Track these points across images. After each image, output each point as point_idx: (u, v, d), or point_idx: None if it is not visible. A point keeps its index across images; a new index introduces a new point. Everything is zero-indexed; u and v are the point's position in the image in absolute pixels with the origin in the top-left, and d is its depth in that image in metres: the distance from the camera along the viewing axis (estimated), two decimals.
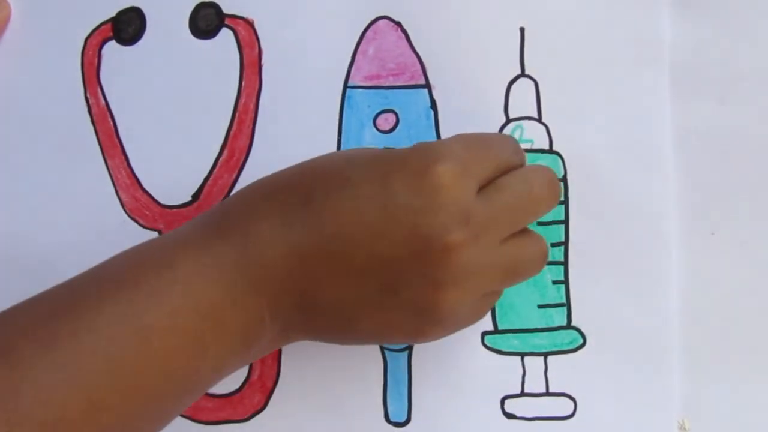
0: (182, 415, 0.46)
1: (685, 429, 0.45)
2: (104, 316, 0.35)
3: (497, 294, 0.42)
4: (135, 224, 0.46)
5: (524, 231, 0.41)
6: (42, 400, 0.33)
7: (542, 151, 0.45)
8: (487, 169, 0.39)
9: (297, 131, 0.46)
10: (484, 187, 0.39)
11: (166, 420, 0.38)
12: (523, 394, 0.45)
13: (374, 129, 0.46)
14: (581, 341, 0.45)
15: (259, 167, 0.46)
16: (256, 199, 0.39)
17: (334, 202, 0.37)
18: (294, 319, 0.38)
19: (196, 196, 0.46)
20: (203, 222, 0.39)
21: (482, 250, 0.38)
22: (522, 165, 0.41)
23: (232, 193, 0.42)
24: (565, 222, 0.45)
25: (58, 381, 0.33)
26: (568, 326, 0.45)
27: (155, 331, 0.35)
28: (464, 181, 0.37)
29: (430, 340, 0.40)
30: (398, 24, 0.46)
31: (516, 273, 0.40)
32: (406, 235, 0.36)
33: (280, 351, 0.46)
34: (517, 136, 0.45)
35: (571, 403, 0.45)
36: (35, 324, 0.35)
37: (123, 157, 0.46)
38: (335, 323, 0.39)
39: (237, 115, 0.46)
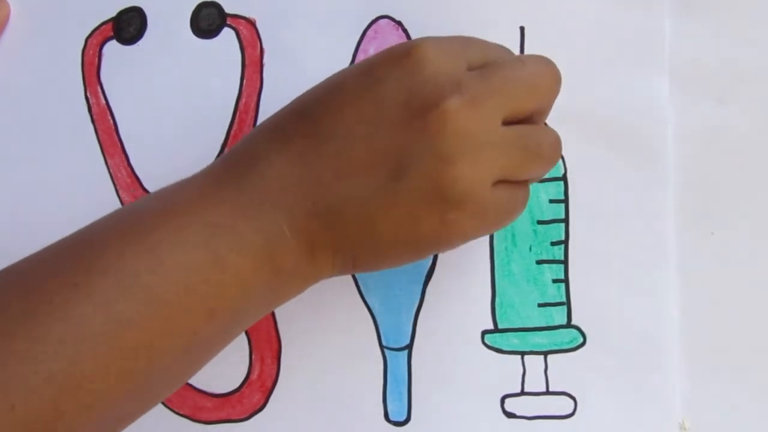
0: (182, 415, 0.46)
1: (685, 428, 0.44)
2: (125, 256, 0.34)
3: (525, 188, 0.40)
4: None
5: (533, 121, 0.40)
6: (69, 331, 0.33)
7: None
8: (474, 54, 0.38)
9: None
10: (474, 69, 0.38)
11: (202, 357, 0.37)
12: (523, 393, 0.45)
13: None
14: (581, 340, 0.45)
15: None
16: (256, 130, 0.39)
17: (328, 104, 0.37)
18: (315, 233, 0.37)
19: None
20: (213, 168, 0.39)
21: (483, 119, 0.36)
22: (508, 56, 0.40)
23: None
24: (566, 221, 0.45)
25: (90, 318, 0.33)
26: (568, 325, 0.45)
27: (171, 264, 0.35)
28: (450, 56, 0.37)
29: (460, 239, 0.38)
30: (399, 23, 0.46)
31: (533, 154, 0.38)
32: (400, 114, 0.36)
33: (279, 350, 0.46)
34: None
35: (571, 402, 0.45)
36: (54, 270, 0.35)
37: (123, 156, 0.46)
38: (356, 228, 0.37)
39: (238, 114, 0.46)
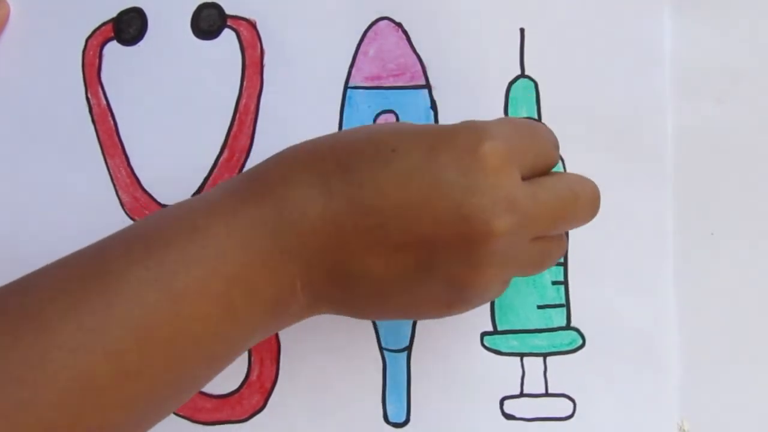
0: (181, 416, 0.46)
1: (683, 430, 0.44)
2: (133, 280, 0.34)
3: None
4: None
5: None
6: (69, 365, 0.32)
7: None
8: (529, 158, 0.38)
9: (297, 131, 0.46)
10: (526, 179, 0.37)
11: (195, 388, 0.37)
12: (522, 394, 0.45)
13: None
14: (580, 342, 0.45)
15: None
16: (293, 166, 0.37)
17: (377, 173, 0.35)
18: (325, 290, 0.37)
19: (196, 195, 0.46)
20: (235, 186, 0.38)
21: (519, 240, 0.36)
22: (556, 161, 0.40)
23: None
24: None
25: (86, 346, 0.32)
26: (568, 327, 0.45)
27: (185, 296, 0.34)
28: (511, 166, 0.36)
29: (452, 315, 0.39)
30: (399, 25, 0.46)
31: (538, 266, 0.40)
32: (450, 213, 0.35)
33: (278, 351, 0.46)
34: None
35: (571, 404, 0.45)
36: (64, 287, 0.34)
37: (123, 156, 0.46)
38: (366, 297, 0.37)
39: (238, 115, 0.46)
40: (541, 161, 0.38)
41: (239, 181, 0.38)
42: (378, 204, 0.35)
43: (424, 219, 0.35)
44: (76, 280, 0.34)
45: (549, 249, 0.39)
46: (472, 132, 0.36)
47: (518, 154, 0.37)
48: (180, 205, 0.38)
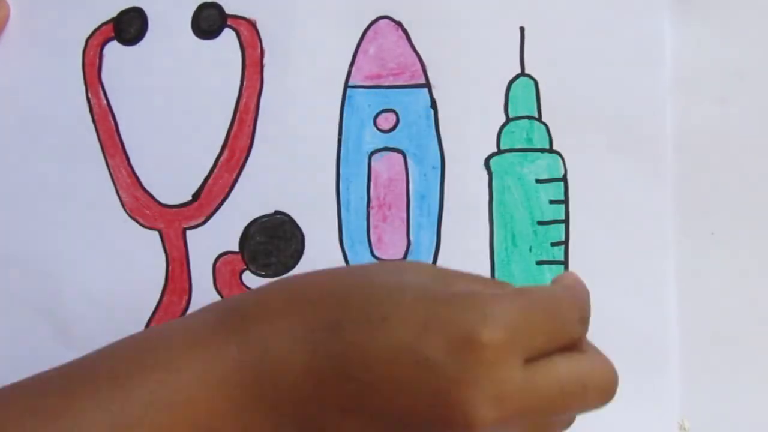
0: None
1: (684, 429, 0.44)
2: (94, 420, 0.33)
3: None
4: (135, 224, 0.46)
5: None
6: None
7: (542, 150, 0.45)
8: (540, 340, 0.34)
9: (297, 130, 0.46)
10: (533, 360, 0.34)
11: None
12: None
13: (374, 128, 0.46)
14: None
15: (259, 167, 0.46)
16: (279, 307, 0.35)
17: (364, 339, 0.33)
18: None
19: (196, 195, 0.46)
20: (216, 318, 0.36)
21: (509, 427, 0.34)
22: (580, 335, 0.36)
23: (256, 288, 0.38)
24: (565, 221, 0.45)
25: None
26: None
27: None
28: (510, 355, 0.33)
29: None
30: (399, 24, 0.46)
31: None
32: (433, 397, 0.32)
33: None
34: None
35: None
36: (22, 416, 0.34)
37: (124, 156, 0.46)
38: None
39: (238, 114, 0.46)
40: (557, 339, 0.35)
41: (223, 311, 0.36)
42: (361, 374, 0.33)
43: (406, 397, 0.33)
44: (35, 413, 0.34)
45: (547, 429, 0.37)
46: (471, 313, 0.33)
47: (524, 340, 0.33)
48: (157, 335, 0.37)
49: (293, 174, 0.46)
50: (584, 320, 0.36)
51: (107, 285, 0.46)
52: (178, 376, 0.34)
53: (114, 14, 0.47)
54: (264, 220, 0.46)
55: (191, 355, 0.35)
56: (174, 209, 0.46)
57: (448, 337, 0.32)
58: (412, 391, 0.33)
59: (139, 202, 0.46)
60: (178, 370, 0.34)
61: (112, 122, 0.47)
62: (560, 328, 0.35)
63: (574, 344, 0.36)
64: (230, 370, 0.34)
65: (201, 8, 0.46)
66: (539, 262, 0.45)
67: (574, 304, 0.36)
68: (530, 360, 0.33)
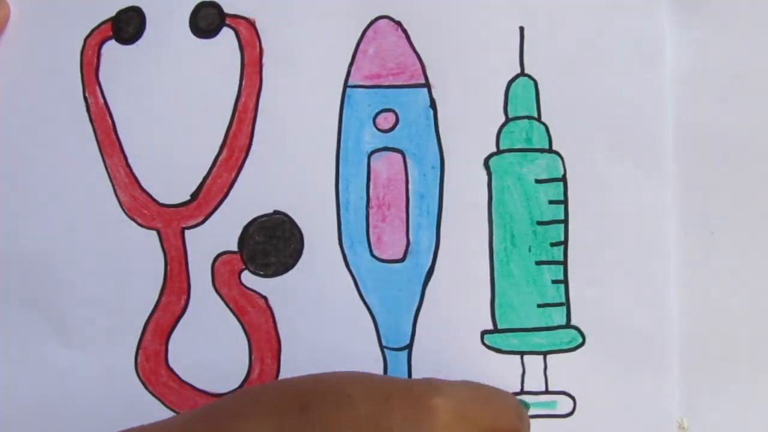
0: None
1: (683, 428, 0.45)
2: None
3: None
4: (133, 223, 0.46)
5: None
6: None
7: (542, 150, 0.45)
8: (484, 419, 0.38)
9: (297, 130, 0.46)
10: None
11: None
12: (522, 392, 0.45)
13: (374, 128, 0.46)
14: (580, 340, 0.45)
15: (258, 166, 0.46)
16: (250, 401, 0.38)
17: (330, 416, 0.37)
18: None
19: (194, 195, 0.46)
20: (193, 418, 0.39)
21: None
22: (519, 430, 0.41)
23: None
24: (565, 221, 0.45)
25: None
26: (568, 325, 0.45)
27: None
28: (461, 424, 0.37)
29: None
30: (398, 23, 0.46)
31: None
32: None
33: (279, 350, 0.46)
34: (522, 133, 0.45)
35: (571, 402, 0.45)
36: None
37: (122, 156, 0.46)
38: None
39: (237, 114, 0.46)
40: (500, 426, 0.39)
41: (196, 411, 0.39)
42: None
43: None
44: None
45: None
46: (426, 386, 0.38)
47: (472, 415, 0.38)
48: (142, 429, 0.39)
49: (292, 173, 0.46)
50: (522, 418, 0.41)
51: (105, 285, 0.46)
52: None
53: (112, 13, 0.47)
54: (263, 219, 0.46)
55: None
56: (172, 209, 0.46)
57: (407, 407, 0.36)
58: None
59: (137, 202, 0.46)
60: None
61: (110, 121, 0.46)
62: (503, 413, 0.40)
63: None
64: None
65: (199, 7, 0.46)
66: (539, 262, 0.45)
67: (513, 399, 0.42)
68: None
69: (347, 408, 0.37)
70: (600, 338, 0.45)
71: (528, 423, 0.42)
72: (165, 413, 0.46)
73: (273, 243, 0.46)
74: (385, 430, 0.36)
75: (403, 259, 0.46)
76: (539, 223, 0.45)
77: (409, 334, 0.45)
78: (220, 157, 0.46)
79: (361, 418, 0.36)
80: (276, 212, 0.46)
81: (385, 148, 0.46)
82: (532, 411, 0.45)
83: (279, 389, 0.39)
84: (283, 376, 0.46)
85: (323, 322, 0.46)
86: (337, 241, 0.46)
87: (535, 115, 0.45)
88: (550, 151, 0.45)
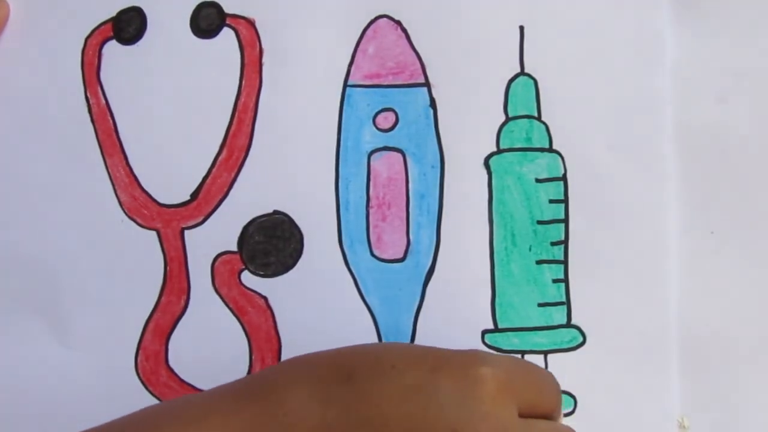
0: None
1: (684, 427, 0.44)
2: None
3: None
4: (133, 223, 0.46)
5: None
6: None
7: (542, 150, 0.45)
8: (530, 395, 0.38)
9: (297, 130, 0.46)
10: (524, 416, 0.38)
11: None
12: None
13: (374, 127, 0.46)
14: (581, 339, 0.45)
15: (258, 166, 0.46)
16: (295, 370, 0.38)
17: (376, 385, 0.36)
18: None
19: (194, 194, 0.46)
20: (236, 386, 0.39)
21: None
22: (557, 408, 0.40)
23: None
24: (565, 221, 0.45)
25: None
26: (568, 325, 0.45)
27: None
28: (507, 396, 0.37)
29: None
30: (398, 23, 0.46)
31: None
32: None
33: (279, 350, 0.46)
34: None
35: (571, 401, 0.45)
36: None
37: (122, 156, 0.46)
38: None
39: (237, 114, 0.46)
40: (542, 401, 0.39)
41: (241, 381, 0.39)
42: (374, 414, 0.36)
43: None
44: None
45: None
46: (472, 357, 0.37)
47: (517, 387, 0.37)
48: (182, 397, 0.39)
49: (292, 173, 0.46)
50: (559, 392, 0.41)
51: (105, 285, 0.46)
52: (199, 426, 0.36)
53: (113, 14, 0.47)
54: (263, 219, 0.46)
55: (212, 410, 0.37)
56: (172, 209, 0.46)
57: (454, 378, 0.36)
58: (425, 429, 0.35)
59: (137, 202, 0.46)
60: (198, 421, 0.37)
61: (111, 122, 0.46)
62: (546, 389, 0.40)
63: (554, 414, 0.40)
64: (248, 426, 0.36)
65: (200, 7, 0.46)
66: (539, 262, 0.45)
67: (553, 378, 0.41)
68: (521, 415, 0.37)
69: (393, 378, 0.36)
70: (600, 337, 0.45)
71: (561, 399, 0.41)
72: None
73: (273, 243, 0.46)
74: (432, 398, 0.36)
75: (403, 259, 0.46)
76: (539, 222, 0.45)
77: (410, 333, 0.45)
78: (220, 157, 0.46)
79: (408, 386, 0.36)
80: (276, 212, 0.46)
81: (385, 148, 0.46)
82: None
83: (320, 359, 0.38)
84: None
85: (323, 322, 0.46)
86: (337, 240, 0.46)
87: (535, 114, 0.45)
88: (551, 150, 0.45)
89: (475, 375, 0.36)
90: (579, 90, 0.45)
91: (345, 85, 0.46)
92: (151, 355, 0.46)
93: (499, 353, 0.39)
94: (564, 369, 0.45)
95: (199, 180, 0.46)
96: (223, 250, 0.46)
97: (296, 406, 0.36)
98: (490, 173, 0.45)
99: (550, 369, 0.45)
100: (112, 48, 0.47)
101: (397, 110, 0.46)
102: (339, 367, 0.37)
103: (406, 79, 0.46)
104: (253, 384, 0.38)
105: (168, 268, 0.46)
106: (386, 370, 0.37)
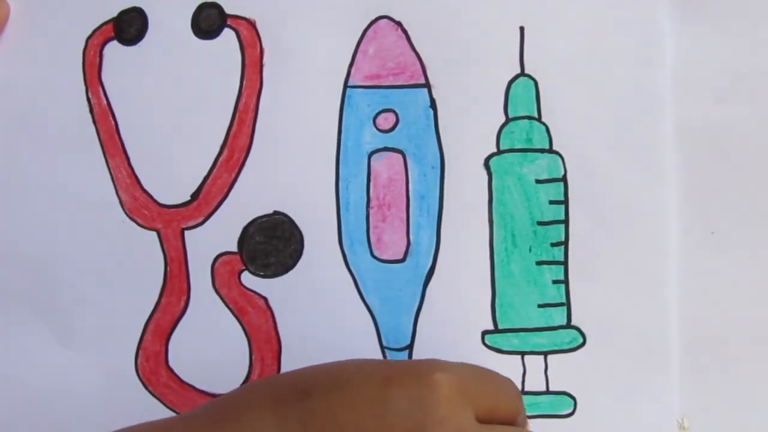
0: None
1: (684, 427, 0.44)
2: None
3: None
4: (133, 224, 0.46)
5: None
6: None
7: (542, 150, 0.45)
8: (486, 398, 0.38)
9: (297, 130, 0.46)
10: (483, 422, 0.38)
11: None
12: (523, 392, 0.45)
13: (374, 128, 0.46)
14: (581, 340, 0.45)
15: (258, 166, 0.46)
16: (255, 393, 0.39)
17: (331, 401, 0.37)
18: None
19: (195, 195, 0.46)
20: (195, 411, 0.39)
21: None
22: (519, 413, 0.41)
23: None
24: (565, 222, 0.45)
25: None
26: (568, 325, 0.45)
27: None
28: (463, 400, 0.37)
29: None
30: (398, 23, 0.46)
31: None
32: None
33: (279, 350, 0.46)
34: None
35: (571, 401, 0.45)
36: None
37: (124, 156, 0.46)
38: None
39: (237, 114, 0.46)
40: (500, 406, 0.39)
41: (202, 407, 0.39)
42: (330, 430, 0.36)
43: None
44: None
45: None
46: (427, 364, 0.38)
47: (473, 392, 0.38)
48: (140, 425, 0.39)
49: (292, 174, 0.46)
50: (520, 397, 0.41)
51: (106, 285, 0.46)
52: None
53: (114, 14, 0.47)
54: (263, 220, 0.46)
55: None
56: (172, 209, 0.46)
57: (408, 386, 0.36)
58: None
59: (138, 202, 0.46)
60: None
61: (113, 122, 0.47)
62: (503, 394, 0.40)
63: (515, 420, 0.40)
64: None
65: (201, 8, 0.47)
66: (539, 263, 0.45)
67: (512, 383, 0.42)
68: (479, 421, 0.37)
69: (348, 392, 0.37)
70: (600, 338, 0.45)
71: (523, 403, 0.42)
72: (165, 413, 0.46)
73: (273, 243, 0.46)
74: (388, 408, 0.36)
75: (403, 260, 0.46)
76: (540, 223, 0.45)
77: (410, 334, 0.45)
78: (221, 158, 0.46)
79: (364, 400, 0.36)
80: (276, 212, 0.46)
81: (385, 149, 0.46)
82: (533, 411, 0.45)
83: (278, 380, 0.39)
84: None
85: (323, 323, 0.46)
86: (337, 241, 0.46)
87: (536, 115, 0.45)
88: (551, 151, 0.45)
89: (429, 381, 0.37)
90: (579, 90, 0.45)
91: (345, 86, 0.46)
92: (151, 356, 0.46)
93: (455, 362, 0.39)
94: (564, 370, 0.45)
95: (200, 180, 0.46)
96: (223, 250, 0.46)
97: (254, 427, 0.37)
98: (490, 174, 0.45)
99: (550, 370, 0.45)
100: (113, 48, 0.47)
101: (397, 111, 0.46)
102: (296, 386, 0.38)
103: (406, 79, 0.46)
104: (213, 409, 0.39)
105: (168, 268, 0.46)
106: (341, 384, 0.37)
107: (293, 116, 0.46)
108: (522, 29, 0.45)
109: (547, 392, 0.45)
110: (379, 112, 0.46)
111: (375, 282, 0.46)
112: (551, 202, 0.45)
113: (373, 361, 0.39)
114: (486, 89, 0.45)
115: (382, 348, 0.45)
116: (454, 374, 0.37)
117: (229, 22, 0.46)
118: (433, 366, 0.37)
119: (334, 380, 0.37)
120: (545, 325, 0.45)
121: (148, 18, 0.47)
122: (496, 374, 0.41)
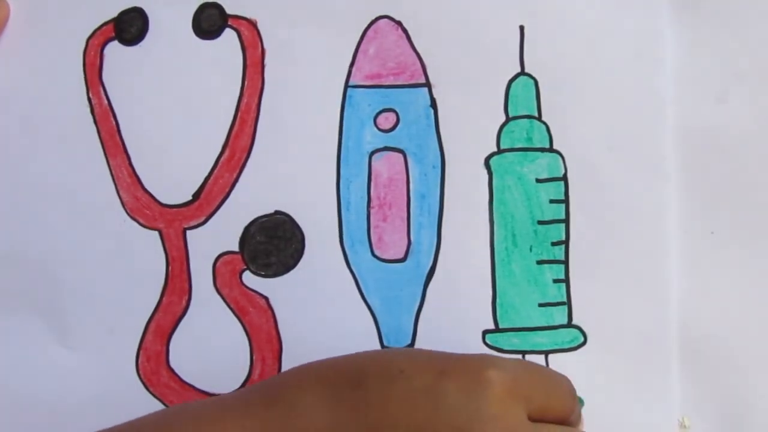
0: None
1: (685, 426, 0.44)
2: None
3: None
4: (135, 224, 0.46)
5: None
6: None
7: (542, 149, 0.45)
8: (539, 398, 0.39)
9: (298, 130, 0.46)
10: (535, 420, 0.38)
11: None
12: None
13: (375, 128, 0.46)
14: (582, 340, 0.45)
15: (260, 166, 0.46)
16: (306, 376, 0.39)
17: (384, 390, 0.37)
18: None
19: (196, 195, 0.46)
20: (249, 389, 0.40)
21: None
22: (573, 411, 0.41)
23: None
24: (566, 221, 0.45)
25: None
26: (569, 325, 0.45)
27: None
28: (515, 399, 0.37)
29: None
30: (399, 23, 0.46)
31: None
32: None
33: (280, 350, 0.46)
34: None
35: None
36: None
37: (125, 156, 0.46)
38: None
39: (239, 114, 0.46)
40: (553, 405, 0.39)
41: (252, 387, 0.40)
42: (382, 418, 0.37)
43: None
44: None
45: None
46: (480, 360, 0.38)
47: (525, 390, 0.38)
48: (197, 401, 0.41)
49: (293, 174, 0.46)
50: (576, 399, 0.41)
51: (107, 285, 0.46)
52: (213, 427, 0.38)
53: (114, 14, 0.47)
54: (264, 219, 0.46)
55: (226, 413, 0.38)
56: (174, 209, 0.46)
57: (461, 380, 0.37)
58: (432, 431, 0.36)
59: (139, 202, 0.46)
60: (212, 422, 0.38)
61: (113, 122, 0.47)
62: (556, 392, 0.40)
63: (568, 419, 0.40)
64: (259, 429, 0.37)
65: (202, 8, 0.47)
66: (540, 262, 0.45)
67: (567, 380, 0.41)
68: (531, 419, 0.38)
69: (401, 383, 0.37)
70: (601, 338, 0.45)
71: (577, 401, 0.42)
72: None
73: (274, 243, 0.46)
74: (441, 401, 0.36)
75: (404, 259, 0.46)
76: (540, 222, 0.45)
77: (411, 334, 0.45)
78: (222, 158, 0.46)
79: (416, 390, 0.37)
80: (277, 212, 0.46)
81: (386, 148, 0.46)
82: None
83: (334, 366, 0.39)
84: None
85: (324, 323, 0.46)
86: (338, 241, 0.46)
87: (536, 114, 0.45)
88: (551, 150, 0.45)
89: (482, 378, 0.37)
90: (579, 90, 0.45)
91: (346, 86, 0.46)
92: (152, 356, 0.46)
93: (508, 356, 0.39)
94: (565, 369, 0.44)
95: (201, 180, 0.46)
96: (224, 250, 0.46)
97: (307, 410, 0.37)
98: (490, 173, 0.46)
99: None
100: (114, 49, 0.47)
101: (397, 110, 0.46)
102: (349, 373, 0.38)
103: (406, 79, 0.46)
104: (265, 389, 0.39)
105: (170, 268, 0.46)
106: (395, 374, 0.37)
107: (294, 116, 0.46)
108: (522, 28, 0.46)
109: None
110: (380, 112, 0.46)
111: (376, 281, 0.46)
112: (551, 202, 0.45)
113: (424, 352, 0.40)
114: (486, 88, 0.46)
115: (383, 347, 0.45)
116: (506, 371, 0.37)
117: (230, 23, 0.47)
118: (487, 361, 0.38)
119: (387, 369, 0.38)
120: (546, 325, 0.45)
121: (149, 18, 0.47)
122: (551, 372, 0.41)
